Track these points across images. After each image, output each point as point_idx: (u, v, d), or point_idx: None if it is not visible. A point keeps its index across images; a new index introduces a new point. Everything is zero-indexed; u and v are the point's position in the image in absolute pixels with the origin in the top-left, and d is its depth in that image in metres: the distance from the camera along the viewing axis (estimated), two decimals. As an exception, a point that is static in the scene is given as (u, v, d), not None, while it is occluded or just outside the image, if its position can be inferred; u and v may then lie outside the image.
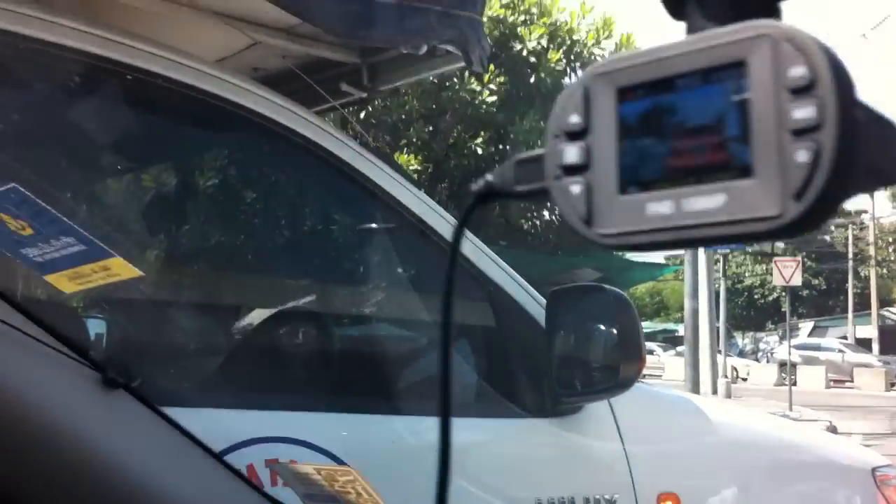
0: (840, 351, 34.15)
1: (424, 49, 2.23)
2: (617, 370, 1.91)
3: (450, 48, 2.24)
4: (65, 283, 1.24)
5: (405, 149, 11.54)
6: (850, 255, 44.03)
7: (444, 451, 0.74)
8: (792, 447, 2.66)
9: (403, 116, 11.47)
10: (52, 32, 1.52)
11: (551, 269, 12.24)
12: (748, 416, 2.86)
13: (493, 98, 11.52)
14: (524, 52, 11.95)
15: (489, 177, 0.71)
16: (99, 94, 1.65)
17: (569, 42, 12.44)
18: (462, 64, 2.36)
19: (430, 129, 11.79)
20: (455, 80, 11.32)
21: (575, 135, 0.61)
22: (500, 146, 12.23)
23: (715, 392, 17.66)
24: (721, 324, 23.26)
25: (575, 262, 13.10)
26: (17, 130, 1.69)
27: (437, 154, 11.55)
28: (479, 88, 11.44)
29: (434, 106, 11.68)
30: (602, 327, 2.00)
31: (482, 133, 11.72)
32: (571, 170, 0.61)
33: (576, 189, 0.61)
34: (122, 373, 0.92)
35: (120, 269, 1.25)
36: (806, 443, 2.73)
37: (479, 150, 11.71)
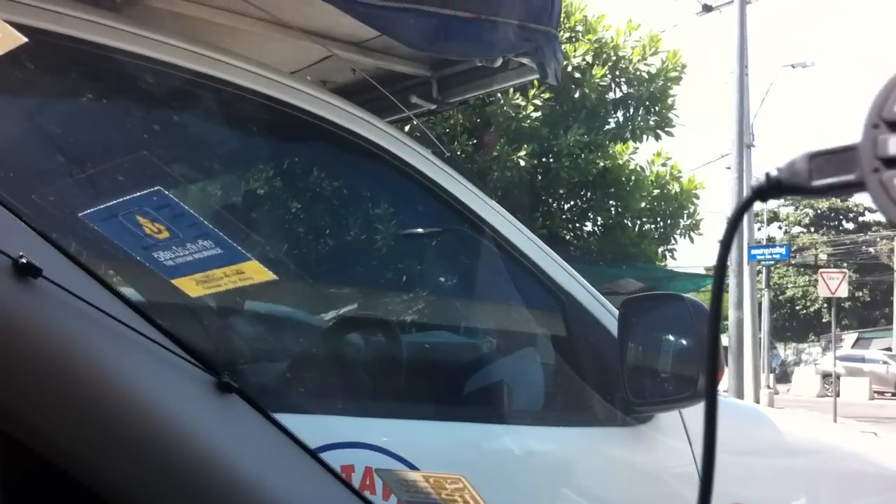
0: (884, 363, 33.47)
1: (500, 62, 2.26)
2: (695, 380, 1.89)
3: (525, 61, 2.27)
4: (192, 286, 1.25)
5: (449, 161, 11.52)
6: (895, 267, 43.28)
7: (710, 436, 0.72)
8: (859, 458, 2.64)
9: (447, 130, 11.49)
10: (162, 52, 1.59)
11: (593, 279, 12.06)
12: (816, 426, 2.85)
13: (537, 114, 11.49)
14: (569, 69, 11.90)
15: (773, 171, 0.66)
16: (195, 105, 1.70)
17: (614, 58, 12.38)
18: (535, 76, 2.38)
19: (474, 142, 11.79)
20: (499, 95, 11.31)
21: None
22: (544, 159, 12.21)
23: (757, 402, 17.44)
24: (764, 334, 22.94)
25: (617, 273, 12.97)
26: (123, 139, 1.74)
27: (481, 167, 11.53)
28: (523, 103, 11.42)
29: (478, 120, 11.68)
30: (675, 336, 1.99)
31: (525, 146, 11.69)
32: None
33: None
34: (235, 377, 0.95)
35: (254, 272, 1.26)
36: (873, 454, 2.71)
37: (522, 163, 11.68)
